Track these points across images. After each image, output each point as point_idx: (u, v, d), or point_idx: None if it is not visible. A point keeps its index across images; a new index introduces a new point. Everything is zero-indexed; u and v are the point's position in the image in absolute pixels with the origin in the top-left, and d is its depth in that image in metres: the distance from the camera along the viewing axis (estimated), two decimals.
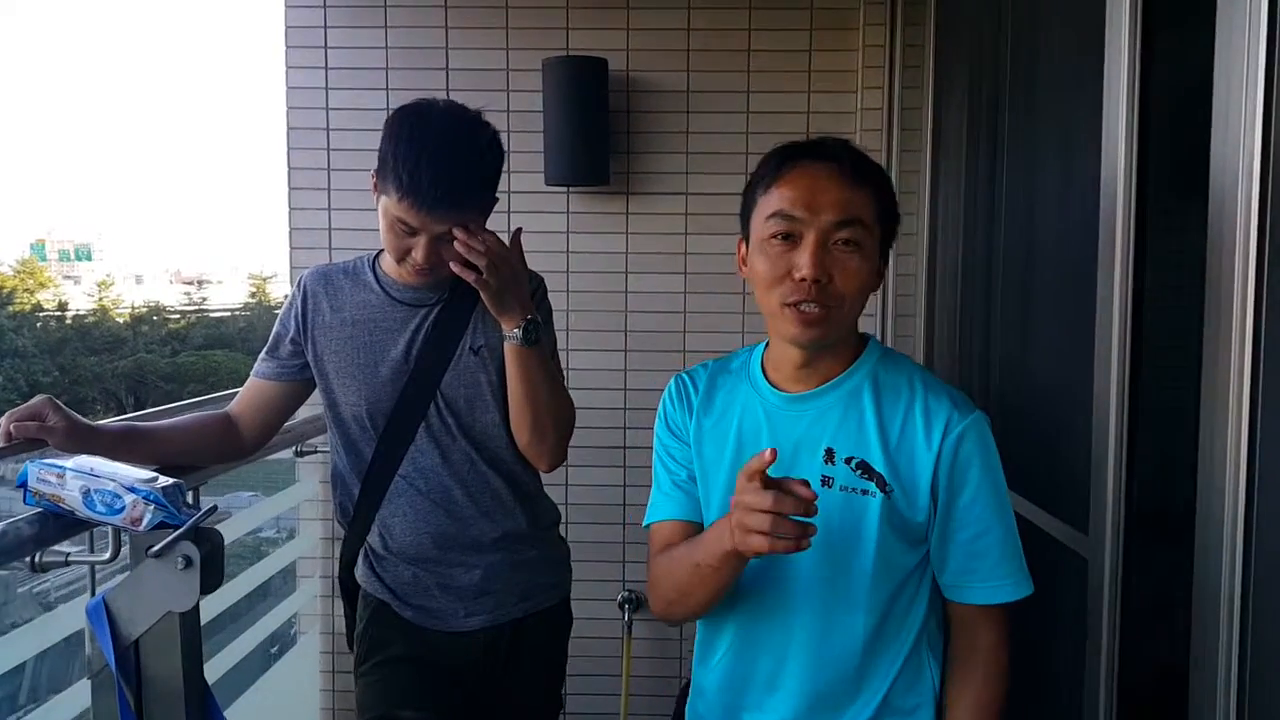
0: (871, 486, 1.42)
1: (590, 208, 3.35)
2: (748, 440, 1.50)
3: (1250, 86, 1.27)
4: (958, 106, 2.89)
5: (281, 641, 3.40)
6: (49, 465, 1.50)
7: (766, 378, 1.51)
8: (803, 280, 1.37)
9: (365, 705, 1.99)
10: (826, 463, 1.44)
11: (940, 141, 3.05)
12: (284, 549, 3.34)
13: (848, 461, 1.43)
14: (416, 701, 1.96)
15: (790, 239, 1.39)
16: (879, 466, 1.43)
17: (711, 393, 1.56)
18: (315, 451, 2.80)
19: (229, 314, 46.61)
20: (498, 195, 1.88)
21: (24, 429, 1.68)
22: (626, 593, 3.37)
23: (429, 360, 1.90)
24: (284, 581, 3.35)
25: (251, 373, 2.01)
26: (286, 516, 3.57)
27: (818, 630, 1.47)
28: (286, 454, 2.73)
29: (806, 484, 1.23)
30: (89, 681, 1.58)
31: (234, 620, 2.93)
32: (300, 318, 1.95)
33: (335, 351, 1.92)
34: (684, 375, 1.61)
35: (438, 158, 1.72)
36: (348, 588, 2.07)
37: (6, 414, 1.70)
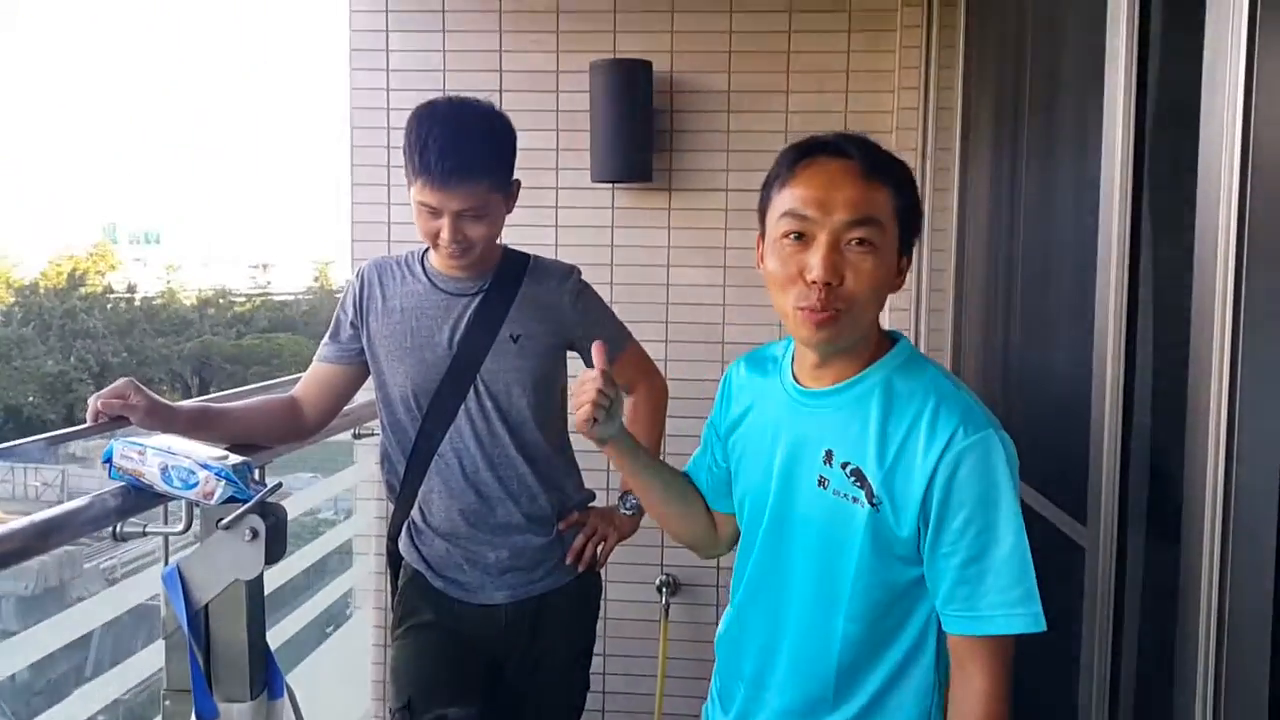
0: (861, 495, 1.39)
1: (634, 203, 3.46)
2: (767, 428, 1.52)
3: (1231, 89, 1.33)
4: (986, 106, 2.96)
5: (337, 618, 3.57)
6: (131, 443, 1.66)
7: (794, 370, 1.50)
8: (814, 283, 1.33)
9: (397, 665, 2.15)
10: (825, 463, 1.43)
11: (969, 141, 3.12)
12: (340, 527, 3.52)
13: (843, 466, 1.41)
14: (445, 666, 2.10)
15: (802, 239, 1.35)
16: (872, 477, 1.38)
17: (750, 380, 1.60)
18: (372, 434, 2.93)
19: (292, 298, 47.32)
20: (518, 178, 2.05)
21: (110, 406, 1.85)
22: (664, 576, 3.50)
23: (471, 346, 2.05)
24: (340, 561, 3.52)
25: (314, 358, 2.17)
26: (344, 499, 3.75)
27: (802, 629, 1.48)
28: (345, 436, 2.88)
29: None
30: (163, 642, 1.75)
31: (294, 595, 3.11)
32: (358, 303, 2.12)
33: (387, 336, 2.09)
34: (733, 364, 1.65)
35: (442, 136, 1.91)
36: (393, 558, 2.23)
37: (93, 395, 1.88)
